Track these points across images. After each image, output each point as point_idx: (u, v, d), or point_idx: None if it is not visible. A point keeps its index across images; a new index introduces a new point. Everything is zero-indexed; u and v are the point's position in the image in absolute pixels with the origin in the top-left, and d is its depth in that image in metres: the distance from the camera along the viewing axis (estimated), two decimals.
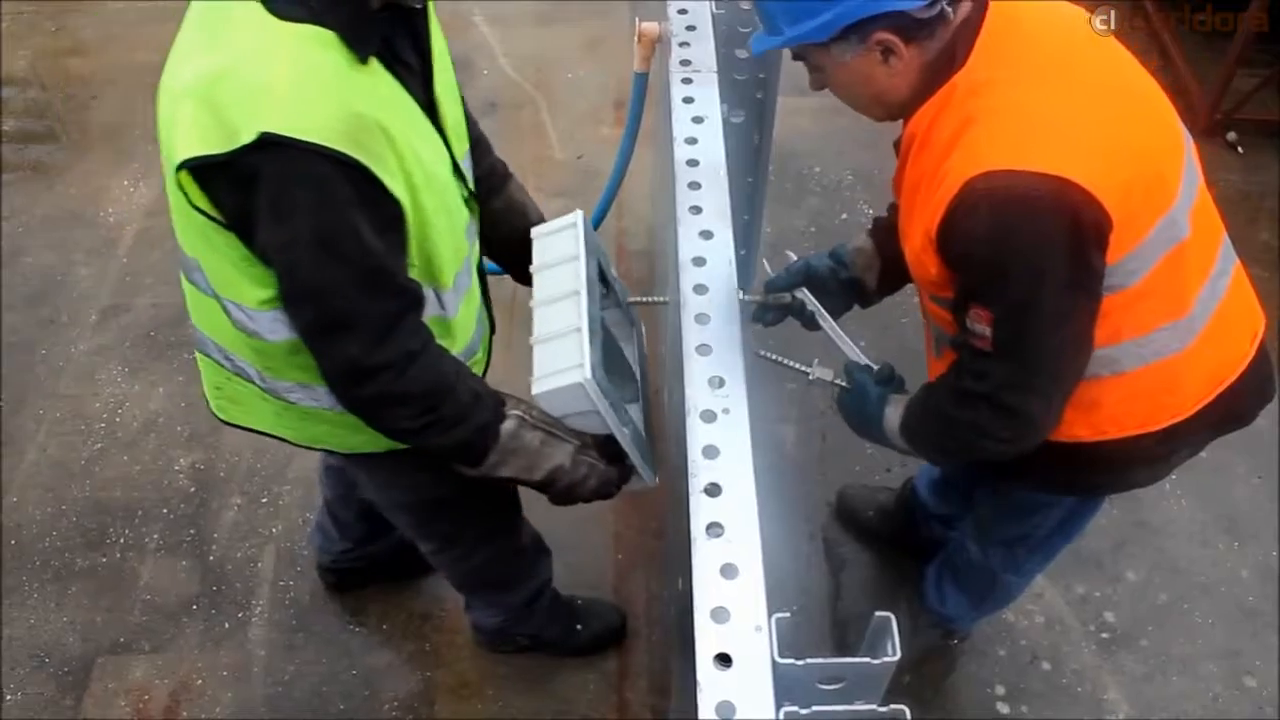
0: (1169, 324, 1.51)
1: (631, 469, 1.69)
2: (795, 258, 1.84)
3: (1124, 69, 1.50)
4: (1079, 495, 1.86)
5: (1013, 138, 1.35)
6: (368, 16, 1.31)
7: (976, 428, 1.51)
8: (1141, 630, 2.50)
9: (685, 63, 1.76)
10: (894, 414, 1.68)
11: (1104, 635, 2.49)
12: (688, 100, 1.70)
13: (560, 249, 1.62)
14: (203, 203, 1.32)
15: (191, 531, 2.70)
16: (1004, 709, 2.38)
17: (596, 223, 2.53)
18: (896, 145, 1.55)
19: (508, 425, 1.54)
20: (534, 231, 1.69)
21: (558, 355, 1.49)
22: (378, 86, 1.34)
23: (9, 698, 2.42)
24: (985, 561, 2.11)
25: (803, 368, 1.72)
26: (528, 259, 1.80)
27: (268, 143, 1.22)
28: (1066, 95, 1.39)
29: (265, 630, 2.52)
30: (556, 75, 3.91)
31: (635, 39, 2.05)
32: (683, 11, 1.85)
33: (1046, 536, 1.98)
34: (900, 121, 1.53)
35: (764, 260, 1.59)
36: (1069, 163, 1.32)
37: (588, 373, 1.45)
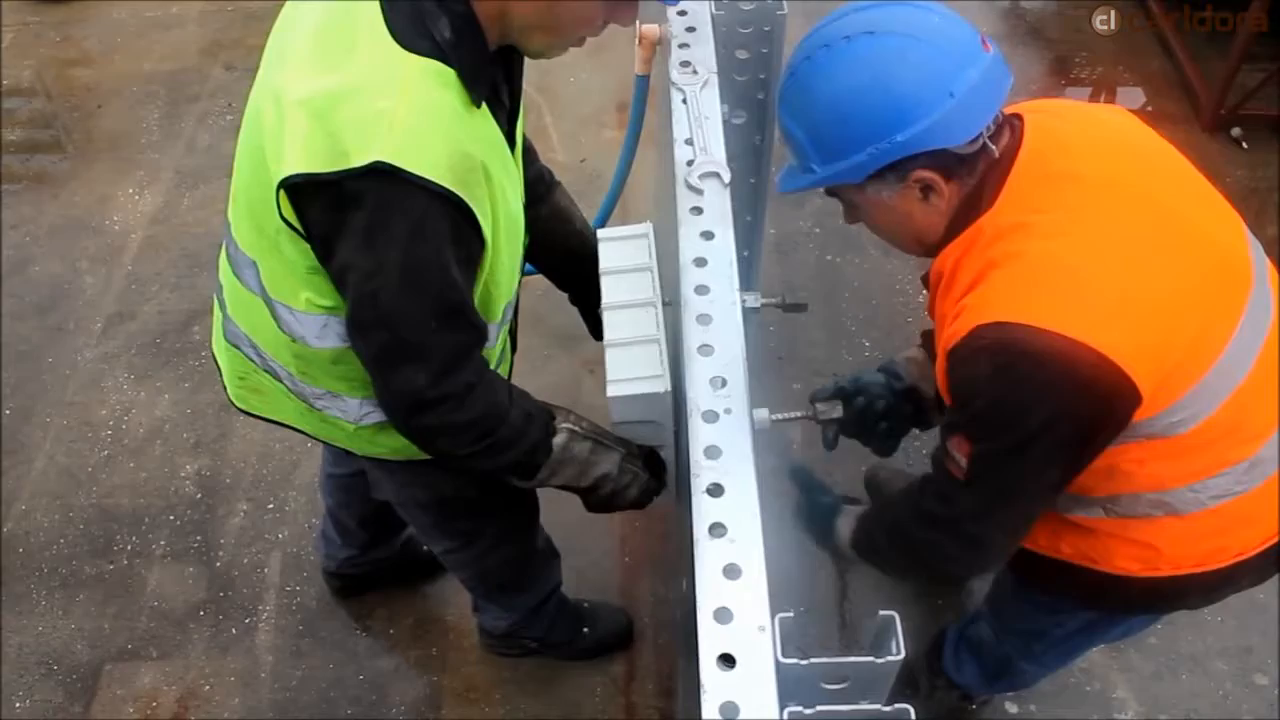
0: (1228, 469, 1.40)
1: (665, 482, 1.70)
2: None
3: (1182, 199, 1.39)
4: (1114, 615, 1.71)
5: (1032, 290, 1.26)
6: (487, 59, 1.33)
7: (935, 549, 1.46)
8: (1150, 628, 2.48)
9: (685, 64, 1.76)
10: (844, 532, 1.63)
11: None
12: (688, 101, 1.70)
13: (631, 256, 1.64)
14: (290, 214, 1.32)
15: (198, 538, 2.70)
16: (1012, 709, 2.37)
17: (600, 225, 2.54)
18: (925, 280, 1.48)
19: (559, 439, 1.55)
20: (601, 234, 1.70)
21: (636, 362, 1.51)
22: (484, 129, 1.36)
23: (17, 705, 2.43)
24: (1000, 647, 1.99)
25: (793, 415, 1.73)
26: (572, 265, 1.82)
27: (377, 170, 1.22)
28: (1102, 244, 1.28)
29: (272, 636, 2.52)
30: (559, 78, 3.93)
31: (636, 41, 2.05)
32: (682, 13, 1.85)
33: (1066, 637, 1.80)
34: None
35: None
36: (1092, 325, 1.22)
37: (669, 384, 1.46)
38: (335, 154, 1.23)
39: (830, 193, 1.44)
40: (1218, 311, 1.34)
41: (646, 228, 1.67)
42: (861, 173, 1.33)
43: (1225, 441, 1.38)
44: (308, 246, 1.35)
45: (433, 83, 1.28)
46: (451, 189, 1.26)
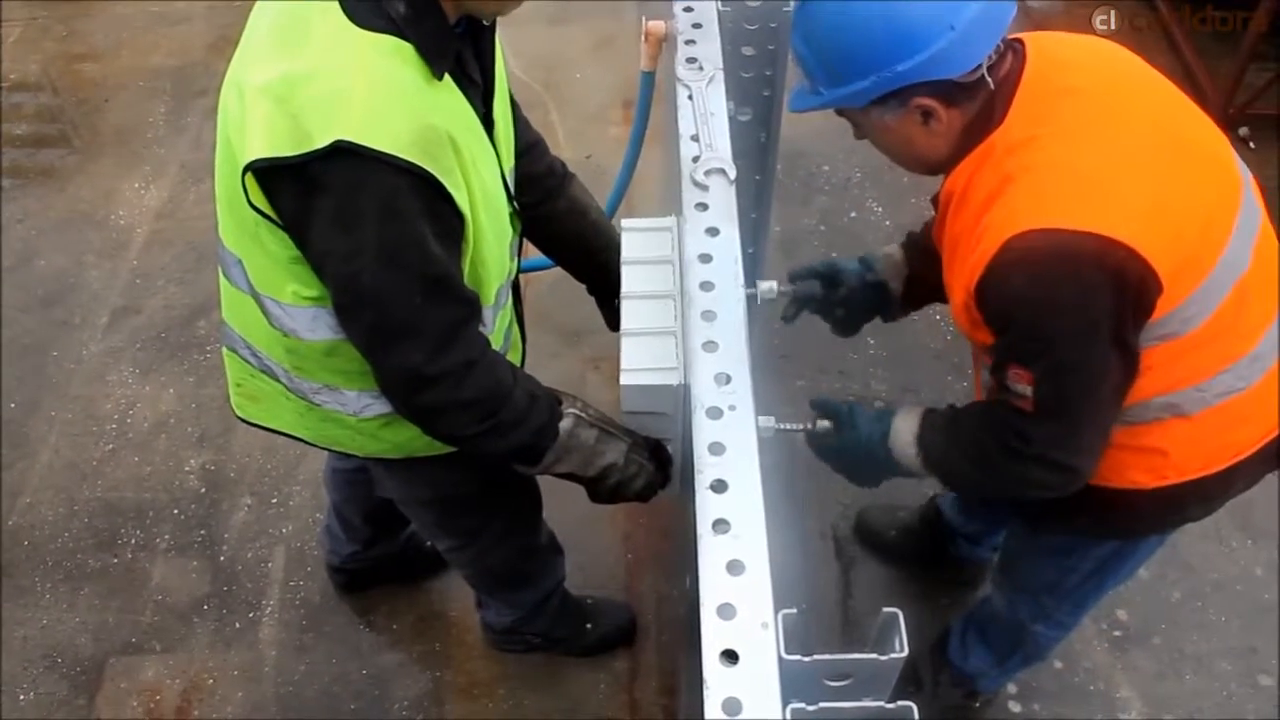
0: (1231, 365, 1.46)
1: (670, 475, 1.70)
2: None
3: (1171, 112, 1.47)
4: (1124, 539, 1.76)
5: (1052, 196, 1.32)
6: (447, 32, 1.33)
7: (1026, 481, 1.49)
8: (1154, 628, 2.48)
9: (692, 60, 1.76)
10: (906, 428, 1.59)
11: (1116, 633, 2.47)
12: (693, 98, 1.70)
13: (653, 248, 1.64)
14: (261, 202, 1.32)
15: (202, 532, 2.71)
16: (1016, 708, 2.36)
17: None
18: (934, 200, 1.53)
19: (565, 423, 1.55)
20: (625, 224, 1.70)
21: (651, 352, 1.50)
22: (449, 101, 1.35)
23: (22, 698, 2.44)
24: (1012, 611, 2.01)
25: (795, 426, 1.69)
26: (589, 257, 1.82)
27: (341, 150, 1.22)
28: (1109, 149, 1.36)
29: (276, 630, 2.53)
30: (565, 75, 3.91)
31: (642, 38, 2.04)
32: (688, 9, 1.85)
33: (1080, 582, 1.84)
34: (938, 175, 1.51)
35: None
36: (1111, 220, 1.29)
37: (682, 376, 1.46)
38: (298, 136, 1.23)
39: (838, 112, 1.50)
40: (1218, 209, 1.41)
41: (672, 221, 1.67)
42: (864, 98, 1.39)
43: (1229, 335, 1.44)
44: (286, 236, 1.35)
45: (390, 58, 1.27)
46: (417, 163, 1.26)
